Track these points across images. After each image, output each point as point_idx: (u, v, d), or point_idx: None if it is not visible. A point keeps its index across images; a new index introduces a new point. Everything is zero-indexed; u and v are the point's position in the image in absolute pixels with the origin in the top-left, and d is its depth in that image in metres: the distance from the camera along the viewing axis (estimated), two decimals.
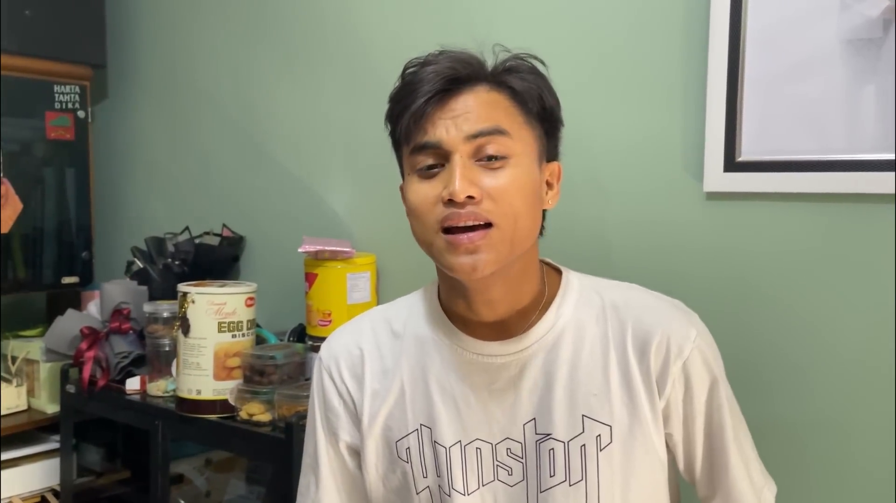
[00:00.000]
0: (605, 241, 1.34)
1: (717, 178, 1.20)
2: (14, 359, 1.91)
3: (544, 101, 0.85)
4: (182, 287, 1.49)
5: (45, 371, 1.87)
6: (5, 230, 1.84)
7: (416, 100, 0.81)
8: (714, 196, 1.22)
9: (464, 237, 0.79)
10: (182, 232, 1.92)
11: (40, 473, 1.83)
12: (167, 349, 1.61)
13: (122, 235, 2.15)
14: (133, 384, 1.65)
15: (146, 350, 1.65)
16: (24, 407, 1.89)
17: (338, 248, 1.51)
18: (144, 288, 1.83)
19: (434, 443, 0.88)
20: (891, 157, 1.07)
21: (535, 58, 0.87)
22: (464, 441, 0.87)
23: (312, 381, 0.99)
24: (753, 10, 1.16)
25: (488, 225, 0.79)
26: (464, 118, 0.80)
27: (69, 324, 1.75)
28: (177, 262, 1.80)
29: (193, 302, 1.47)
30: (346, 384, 0.94)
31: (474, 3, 1.48)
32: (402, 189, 0.90)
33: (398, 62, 1.55)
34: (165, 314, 1.63)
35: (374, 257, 1.59)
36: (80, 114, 1.98)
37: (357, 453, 0.95)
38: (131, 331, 1.72)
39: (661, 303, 0.89)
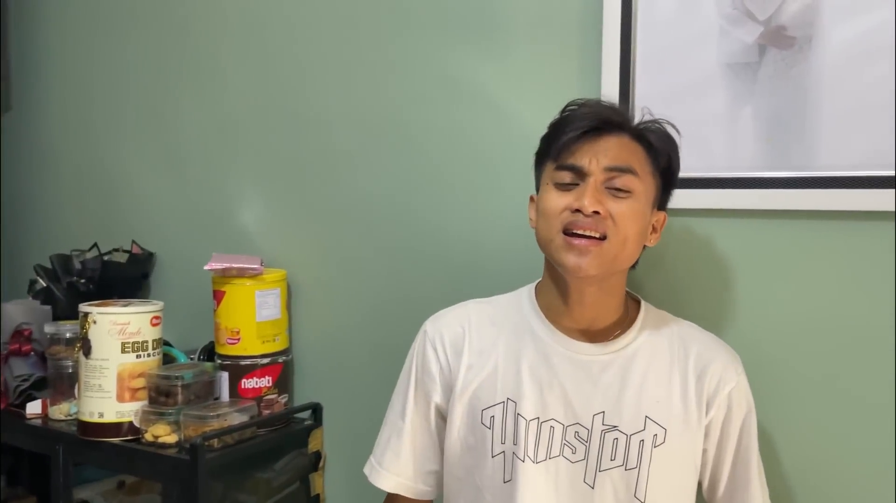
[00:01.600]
0: (501, 255, 1.37)
1: None
2: None
3: (671, 161, 1.04)
4: (83, 307, 1.46)
5: None
6: None
7: (573, 130, 1.00)
8: None
9: (579, 240, 0.98)
10: (90, 249, 1.87)
11: None
12: (70, 371, 1.56)
13: (31, 253, 2.07)
14: (34, 408, 1.59)
15: (48, 372, 1.60)
16: None
17: (245, 265, 1.50)
18: (48, 308, 1.77)
19: (517, 415, 1.03)
20: (767, 174, 1.14)
21: (672, 125, 1.06)
22: (542, 418, 1.02)
23: (413, 349, 1.15)
24: (642, 35, 1.22)
25: (603, 237, 0.97)
26: (604, 153, 0.99)
27: None
28: (82, 281, 1.75)
29: (95, 322, 1.43)
30: (447, 355, 1.10)
31: (378, 12, 1.50)
32: (532, 199, 1.09)
33: (305, 75, 1.59)
34: (68, 335, 1.58)
35: (284, 273, 1.58)
36: None
37: (441, 415, 1.11)
38: (32, 353, 1.66)
39: (718, 344, 1.08)
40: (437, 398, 1.11)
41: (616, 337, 1.05)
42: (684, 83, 1.19)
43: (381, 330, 1.54)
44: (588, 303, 1.04)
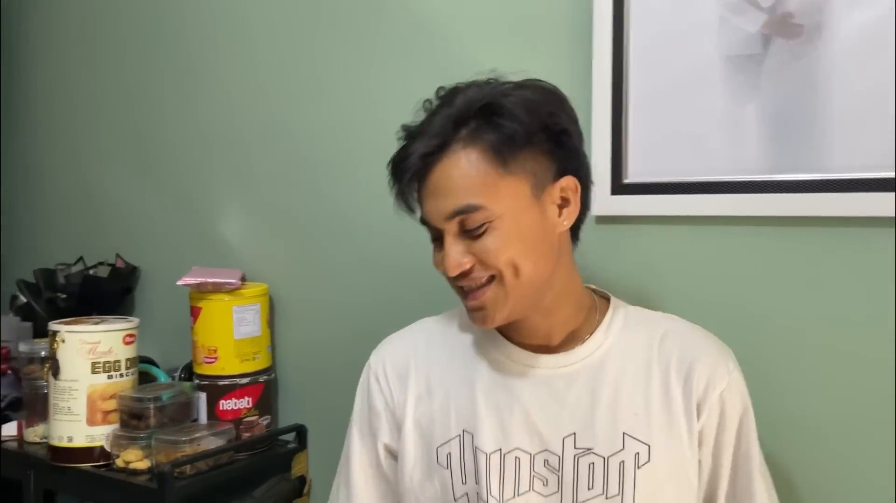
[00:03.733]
0: None
1: (604, 201, 1.14)
2: None
3: (532, 131, 0.85)
4: (52, 325, 1.39)
5: None
6: None
7: (398, 180, 0.89)
8: (603, 220, 1.17)
9: (471, 299, 0.87)
10: (75, 263, 1.82)
11: None
12: (45, 391, 1.49)
13: (16, 267, 2.02)
14: (9, 429, 1.53)
15: (23, 393, 1.54)
16: None
17: (221, 280, 1.42)
18: (29, 324, 1.71)
19: (475, 448, 0.90)
20: (772, 177, 1.03)
21: (533, 82, 0.89)
22: (504, 449, 0.89)
23: (359, 385, 1.02)
24: (636, 26, 1.12)
25: (491, 278, 0.85)
26: (441, 196, 0.86)
27: None
28: (62, 296, 1.69)
29: (63, 341, 1.36)
30: (390, 387, 0.97)
31: (358, 19, 1.42)
32: None
33: (287, 87, 1.52)
34: (43, 353, 1.51)
35: (265, 287, 1.50)
36: None
37: (392, 455, 0.97)
38: (10, 372, 1.60)
39: (705, 337, 0.93)
40: (384, 438, 0.97)
41: (578, 344, 0.91)
42: (681, 78, 1.09)
43: (370, 347, 1.44)
44: (536, 326, 0.92)
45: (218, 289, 1.42)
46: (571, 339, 0.92)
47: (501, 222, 0.85)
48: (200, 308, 1.44)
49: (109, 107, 1.84)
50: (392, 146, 1.36)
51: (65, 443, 1.37)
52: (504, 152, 0.84)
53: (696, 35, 1.08)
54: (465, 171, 0.85)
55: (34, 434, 1.51)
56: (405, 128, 0.91)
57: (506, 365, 0.93)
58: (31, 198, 2.04)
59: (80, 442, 1.36)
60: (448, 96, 0.89)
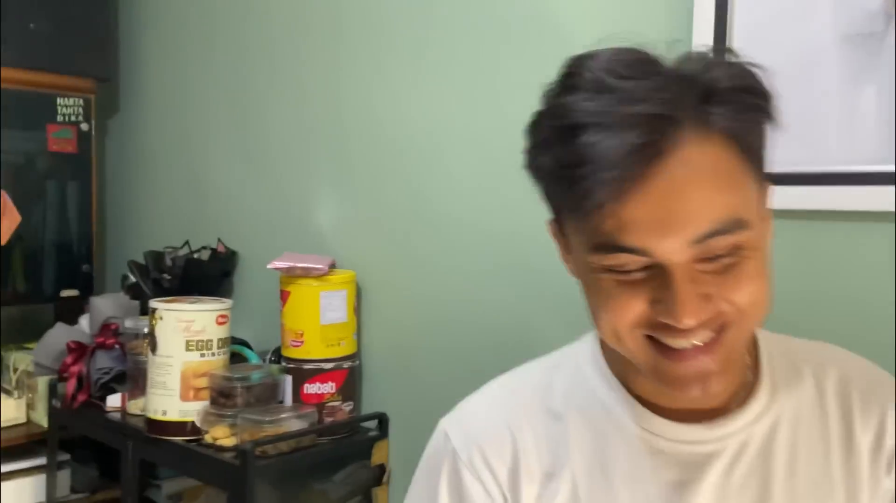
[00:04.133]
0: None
1: None
2: (15, 370, 1.91)
3: (770, 113, 0.61)
4: (152, 303, 1.45)
5: (42, 384, 1.86)
6: (4, 242, 1.85)
7: (601, 181, 0.55)
8: None
9: (687, 364, 0.60)
10: (182, 246, 1.90)
11: (31, 488, 1.81)
12: (146, 366, 1.57)
13: (132, 248, 2.14)
14: (114, 401, 1.61)
15: (127, 367, 1.62)
16: (24, 419, 1.88)
17: (309, 265, 1.44)
18: (136, 302, 1.80)
19: None
20: (894, 168, 0.93)
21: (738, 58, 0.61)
22: None
23: (435, 472, 0.73)
24: (741, 4, 1.04)
25: (720, 329, 0.61)
26: (679, 208, 0.56)
27: (57, 337, 1.74)
28: (167, 277, 1.77)
29: (161, 318, 1.42)
30: (496, 477, 0.71)
31: (454, 13, 1.40)
32: (553, 230, 0.68)
33: (382, 80, 1.52)
34: (145, 330, 1.58)
35: (353, 274, 1.51)
36: (84, 126, 1.98)
37: None
38: (117, 347, 1.69)
39: (877, 370, 0.73)
40: None
41: (741, 405, 0.68)
42: (791, 59, 1.00)
43: (455, 338, 1.43)
44: (711, 394, 0.67)
45: (306, 274, 1.44)
46: (731, 396, 0.69)
47: (752, 248, 0.59)
48: (289, 292, 1.47)
49: (217, 100, 1.91)
50: (487, 140, 1.36)
51: (160, 416, 1.43)
52: (751, 144, 0.59)
53: (810, 12, 0.98)
54: (713, 164, 0.57)
55: (135, 406, 1.58)
56: (559, 116, 0.58)
57: (652, 442, 0.68)
58: (145, 185, 2.15)
59: (173, 416, 1.42)
60: (630, 65, 0.58)
